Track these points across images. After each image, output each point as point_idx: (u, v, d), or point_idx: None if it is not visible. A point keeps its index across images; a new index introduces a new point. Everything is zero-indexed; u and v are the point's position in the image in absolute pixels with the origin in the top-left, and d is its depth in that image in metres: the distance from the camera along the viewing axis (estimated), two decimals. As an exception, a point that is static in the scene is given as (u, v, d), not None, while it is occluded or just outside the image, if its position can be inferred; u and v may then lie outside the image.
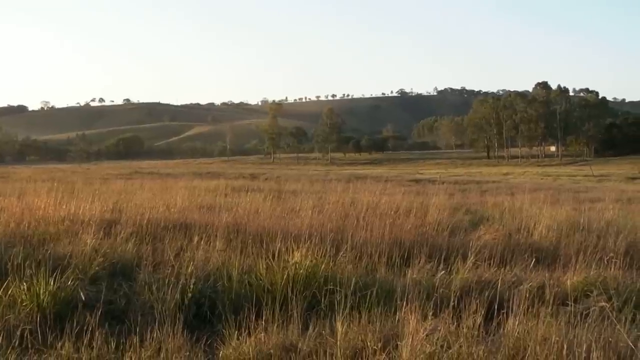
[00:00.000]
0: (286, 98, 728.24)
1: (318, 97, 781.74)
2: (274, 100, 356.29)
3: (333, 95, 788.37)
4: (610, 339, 7.73)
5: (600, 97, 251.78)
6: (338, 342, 7.75)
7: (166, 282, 9.72)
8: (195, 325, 9.13)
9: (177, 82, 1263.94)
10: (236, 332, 8.34)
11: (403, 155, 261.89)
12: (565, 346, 7.26)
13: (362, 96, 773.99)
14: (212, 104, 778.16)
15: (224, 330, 8.54)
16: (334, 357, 7.51)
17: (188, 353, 7.80)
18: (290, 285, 9.85)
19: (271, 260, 10.69)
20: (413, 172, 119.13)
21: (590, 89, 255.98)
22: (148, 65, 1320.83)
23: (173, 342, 7.85)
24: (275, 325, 8.49)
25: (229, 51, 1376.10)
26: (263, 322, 8.58)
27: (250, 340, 8.08)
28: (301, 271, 10.29)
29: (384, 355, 7.38)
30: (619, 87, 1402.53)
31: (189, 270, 10.32)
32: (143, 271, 10.68)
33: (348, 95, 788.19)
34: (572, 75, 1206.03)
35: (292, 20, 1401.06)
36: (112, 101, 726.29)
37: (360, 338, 7.95)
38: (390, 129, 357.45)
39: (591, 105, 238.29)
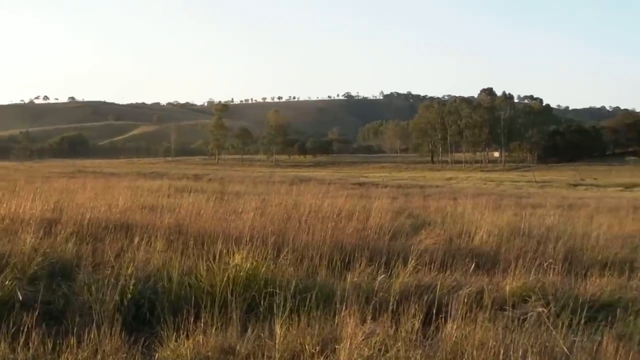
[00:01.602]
0: (232, 99, 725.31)
1: (264, 99, 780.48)
2: (219, 101, 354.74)
3: (279, 98, 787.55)
4: (547, 344, 7.81)
5: (544, 104, 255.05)
6: (277, 345, 7.75)
7: (106, 282, 9.63)
8: (134, 326, 9.06)
9: (122, 81, 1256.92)
10: (175, 334, 8.29)
11: (348, 158, 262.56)
12: (502, 351, 7.33)
13: (308, 99, 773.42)
14: (158, 103, 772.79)
15: (162, 332, 8.49)
16: (272, 360, 7.51)
17: (125, 355, 7.74)
18: (230, 287, 9.83)
19: (212, 262, 10.64)
20: (357, 176, 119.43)
21: (535, 96, 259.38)
22: (93, 64, 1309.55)
23: (110, 344, 7.79)
24: (214, 327, 8.47)
25: (175, 51, 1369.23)
26: (202, 324, 8.55)
27: (189, 343, 8.04)
28: (241, 273, 10.27)
29: (321, 359, 7.40)
30: (562, 94, 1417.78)
31: (129, 271, 10.25)
32: (83, 271, 10.56)
33: (294, 98, 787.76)
34: (517, 82, 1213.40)
35: (238, 21, 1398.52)
36: (57, 99, 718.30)
37: (299, 341, 7.95)
38: (335, 132, 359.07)
39: (535, 112, 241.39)
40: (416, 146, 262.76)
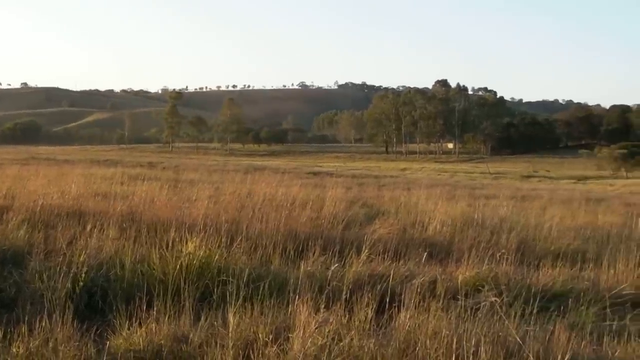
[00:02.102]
0: (187, 87, 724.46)
1: (219, 87, 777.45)
2: (174, 89, 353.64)
3: (234, 86, 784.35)
4: (499, 334, 7.83)
5: (498, 96, 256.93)
6: (230, 334, 7.70)
7: (58, 270, 9.49)
8: (86, 314, 8.96)
9: (76, 67, 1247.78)
10: (127, 322, 8.19)
11: (302, 147, 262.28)
12: (455, 340, 7.33)
13: (263, 88, 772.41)
14: (112, 90, 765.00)
15: (115, 320, 8.39)
16: (225, 349, 7.45)
17: (77, 343, 7.64)
18: (183, 275, 9.77)
19: (165, 250, 10.57)
20: (312, 165, 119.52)
21: (489, 89, 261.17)
22: (47, 49, 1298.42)
23: (62, 332, 7.68)
24: (167, 315, 8.39)
25: (129, 37, 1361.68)
26: (155, 313, 8.47)
27: (141, 331, 7.97)
28: (194, 262, 10.22)
29: (275, 347, 7.36)
30: (516, 87, 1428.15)
31: (81, 258, 10.13)
32: (34, 259, 10.43)
33: (249, 87, 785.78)
34: (471, 74, 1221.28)
35: (193, 8, 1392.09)
36: (9, 84, 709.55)
37: (252, 330, 7.91)
38: (290, 122, 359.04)
39: (489, 104, 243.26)
40: (371, 136, 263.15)
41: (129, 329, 8.07)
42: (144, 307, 8.56)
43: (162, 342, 7.78)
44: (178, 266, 9.98)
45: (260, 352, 7.36)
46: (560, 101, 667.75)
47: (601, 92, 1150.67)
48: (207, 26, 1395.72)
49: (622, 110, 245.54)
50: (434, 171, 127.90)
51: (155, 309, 8.60)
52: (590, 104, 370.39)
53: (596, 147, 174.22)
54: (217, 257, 10.58)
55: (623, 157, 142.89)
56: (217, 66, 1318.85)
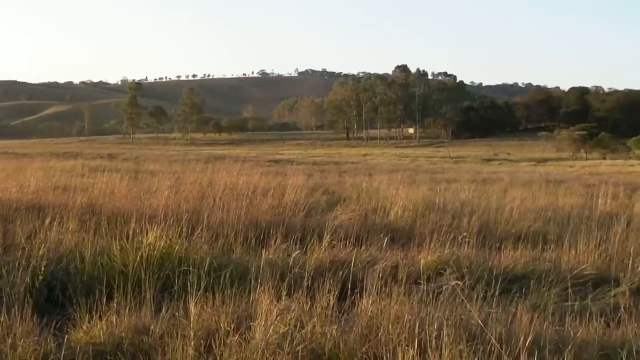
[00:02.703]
0: (146, 77, 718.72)
1: (179, 76, 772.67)
2: (133, 80, 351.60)
3: (194, 75, 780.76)
4: (462, 317, 7.83)
5: (457, 80, 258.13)
6: (191, 324, 7.63)
7: (16, 264, 9.37)
8: (45, 308, 8.86)
9: (34, 60, 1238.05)
10: (88, 315, 8.11)
11: (263, 135, 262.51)
12: (417, 325, 7.31)
13: (223, 76, 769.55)
14: (71, 82, 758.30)
15: (75, 314, 8.30)
16: (186, 339, 7.39)
17: (37, 337, 7.55)
18: (144, 266, 9.69)
19: (125, 241, 10.48)
20: (273, 153, 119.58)
21: (449, 73, 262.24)
22: (4, 42, 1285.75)
23: (22, 327, 7.59)
24: (128, 307, 8.32)
25: (87, 29, 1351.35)
26: (115, 305, 8.39)
27: (102, 324, 7.88)
28: (155, 252, 10.15)
29: (237, 336, 7.31)
30: (476, 71, 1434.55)
31: (41, 252, 10.01)
32: (-8, 254, 10.36)
33: (209, 75, 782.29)
34: (431, 59, 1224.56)
35: (148, 1, 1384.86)
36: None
37: (214, 319, 7.86)
38: (250, 110, 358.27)
39: (449, 89, 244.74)
40: (331, 123, 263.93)
41: (89, 322, 7.99)
42: (105, 300, 8.48)
43: (123, 334, 7.71)
44: (138, 257, 9.91)
45: (222, 341, 7.31)
46: (520, 84, 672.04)
47: (560, 75, 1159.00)
48: (166, 15, 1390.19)
49: (581, 93, 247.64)
50: (395, 156, 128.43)
51: (115, 301, 8.53)
52: (549, 86, 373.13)
53: (555, 130, 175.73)
54: (177, 247, 10.52)
55: (582, 139, 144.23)
56: (177, 56, 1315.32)
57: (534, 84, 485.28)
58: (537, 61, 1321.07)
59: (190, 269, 9.45)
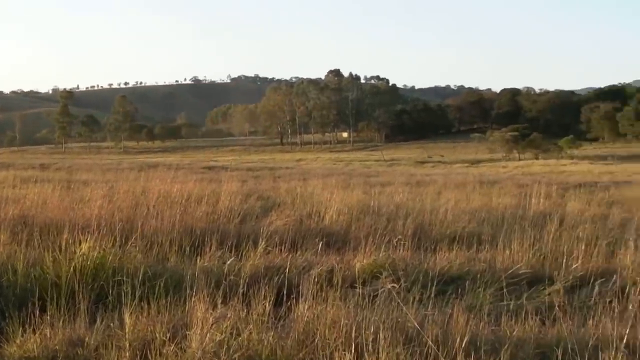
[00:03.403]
0: (78, 86, 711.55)
1: (110, 84, 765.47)
2: (65, 89, 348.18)
3: (126, 83, 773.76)
4: (398, 320, 7.85)
5: (390, 84, 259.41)
6: (127, 335, 7.56)
7: (-54, 280, 9.26)
8: (-23, 324, 8.72)
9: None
10: (21, 328, 7.97)
11: (197, 142, 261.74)
12: (354, 329, 7.32)
13: (155, 84, 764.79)
14: (1, 92, 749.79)
15: (7, 328, 8.16)
16: (122, 350, 7.32)
17: (-33, 354, 7.45)
18: (78, 277, 9.55)
19: (58, 252, 10.33)
20: (207, 160, 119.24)
21: (381, 77, 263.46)
22: None
23: (-50, 343, 7.47)
24: (62, 319, 8.20)
25: (16, 37, 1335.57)
26: (49, 317, 8.27)
27: (36, 337, 7.76)
28: (88, 263, 10.01)
29: (172, 346, 7.25)
30: (408, 74, 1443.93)
31: (-29, 266, 9.88)
32: None
33: (141, 83, 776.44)
34: (363, 63, 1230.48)
35: (81, 4, 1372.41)
36: None
37: (149, 329, 7.78)
38: (183, 117, 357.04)
39: (382, 92, 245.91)
40: (265, 129, 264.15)
41: (22, 335, 7.87)
42: (38, 312, 8.35)
43: (57, 347, 7.61)
44: (72, 268, 9.76)
45: (158, 351, 7.26)
46: (452, 87, 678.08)
47: (491, 77, 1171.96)
48: (97, 22, 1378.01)
49: (512, 94, 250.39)
50: (329, 161, 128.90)
51: (49, 313, 8.40)
52: (481, 88, 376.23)
53: (488, 131, 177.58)
54: (111, 257, 10.38)
55: (515, 140, 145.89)
56: (109, 64, 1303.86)
57: (466, 86, 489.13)
58: (469, 63, 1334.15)
59: (125, 278, 9.34)
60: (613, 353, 7.00)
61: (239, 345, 7.26)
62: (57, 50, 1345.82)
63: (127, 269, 9.88)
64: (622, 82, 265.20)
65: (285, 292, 8.99)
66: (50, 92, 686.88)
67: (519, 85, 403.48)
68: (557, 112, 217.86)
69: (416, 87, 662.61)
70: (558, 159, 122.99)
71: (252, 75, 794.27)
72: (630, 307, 9.27)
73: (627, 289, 9.78)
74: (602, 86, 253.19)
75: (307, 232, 14.01)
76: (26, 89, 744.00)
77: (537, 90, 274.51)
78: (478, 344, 7.24)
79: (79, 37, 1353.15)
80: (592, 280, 10.71)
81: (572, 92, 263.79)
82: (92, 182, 26.89)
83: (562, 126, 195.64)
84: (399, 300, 8.32)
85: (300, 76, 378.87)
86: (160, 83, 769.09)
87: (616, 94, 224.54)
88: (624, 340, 7.29)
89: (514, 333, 8.01)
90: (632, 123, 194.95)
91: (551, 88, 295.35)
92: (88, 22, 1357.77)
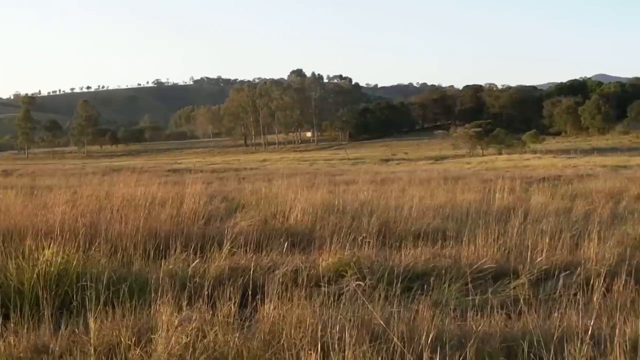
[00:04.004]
0: (39, 91, 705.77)
1: (72, 89, 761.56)
2: (26, 94, 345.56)
3: (88, 87, 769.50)
4: (364, 317, 7.86)
5: (353, 83, 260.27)
6: (92, 340, 7.51)
7: None
8: (-62, 334, 8.63)
9: None
10: (-17, 338, 7.93)
11: (161, 145, 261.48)
12: (319, 328, 7.31)
13: (117, 87, 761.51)
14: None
15: (-31, 338, 8.11)
16: (87, 356, 7.28)
17: None
18: (41, 284, 9.46)
19: (21, 259, 10.24)
20: (171, 162, 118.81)
21: (344, 76, 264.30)
22: None
23: None
24: (26, 327, 8.13)
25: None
26: (13, 325, 8.21)
27: (-1, 345, 7.72)
28: (52, 269, 9.91)
29: (138, 350, 7.22)
30: (371, 73, 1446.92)
31: None
32: None
33: (103, 87, 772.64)
34: (326, 63, 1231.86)
35: (41, 9, 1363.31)
36: None
37: (114, 333, 7.72)
38: (147, 120, 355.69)
39: (345, 92, 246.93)
40: (229, 130, 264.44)
41: (-15, 345, 7.79)
42: (1, 320, 8.31)
43: (22, 354, 7.55)
44: (35, 275, 9.67)
45: (124, 355, 7.22)
46: (415, 84, 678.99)
47: (454, 74, 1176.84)
48: (58, 27, 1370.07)
49: (475, 90, 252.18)
50: (293, 161, 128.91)
51: (13, 321, 8.33)
52: (443, 85, 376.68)
53: (451, 127, 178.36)
54: (75, 262, 10.30)
55: (478, 135, 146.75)
56: (70, 68, 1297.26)
57: (429, 83, 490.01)
58: (431, 61, 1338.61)
59: (89, 283, 9.27)
60: (578, 344, 7.03)
61: (205, 348, 7.24)
62: (17, 55, 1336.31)
63: (91, 274, 9.80)
64: (583, 76, 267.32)
65: (250, 293, 8.96)
66: (12, 97, 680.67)
67: (481, 81, 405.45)
68: (519, 107, 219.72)
69: (379, 86, 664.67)
70: (521, 154, 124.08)
71: (215, 77, 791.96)
72: (594, 299, 9.34)
73: (592, 281, 9.86)
74: (564, 81, 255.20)
75: (272, 233, 13.98)
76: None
77: (500, 86, 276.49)
78: (444, 339, 7.25)
79: (40, 42, 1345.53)
80: (556, 273, 10.75)
81: (534, 87, 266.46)
82: (56, 187, 26.67)
83: (525, 121, 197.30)
84: (364, 299, 8.32)
85: (263, 77, 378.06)
86: (123, 86, 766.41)
87: (578, 89, 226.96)
88: (589, 332, 7.33)
89: (480, 327, 8.03)
90: (593, 117, 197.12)
91: (513, 84, 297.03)
92: (48, 26, 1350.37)
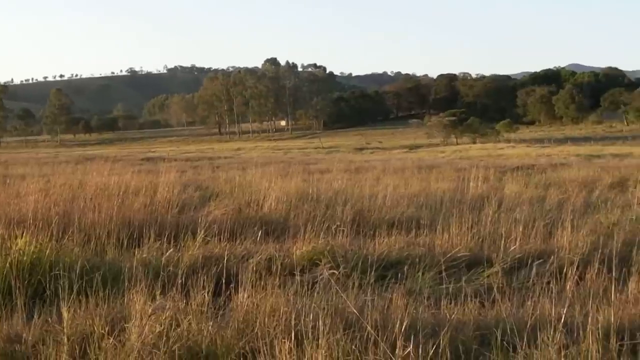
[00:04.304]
0: (12, 80, 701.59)
1: (45, 77, 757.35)
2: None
3: (61, 76, 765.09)
4: (338, 306, 7.86)
5: (327, 71, 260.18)
6: (65, 329, 7.46)
7: None
8: None
9: None
10: (-44, 328, 7.89)
11: (134, 134, 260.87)
12: (293, 316, 7.31)
13: (91, 76, 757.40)
14: None
15: (-58, 329, 8.06)
16: (60, 345, 7.24)
17: None
18: (14, 273, 9.40)
19: (-7, 249, 10.22)
20: (145, 151, 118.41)
21: (318, 64, 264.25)
22: None
23: None
24: (-2, 317, 8.12)
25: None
26: (-15, 315, 8.19)
27: (-28, 335, 7.67)
28: (25, 258, 9.86)
29: (112, 339, 7.19)
30: (345, 62, 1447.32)
31: None
32: None
33: (77, 75, 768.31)
34: (300, 51, 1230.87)
35: (10, 1, 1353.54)
36: None
37: (87, 323, 7.68)
38: (120, 109, 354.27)
39: (319, 80, 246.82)
40: (203, 119, 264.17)
41: (-42, 335, 7.74)
42: (-27, 311, 8.26)
43: (-5, 344, 7.50)
44: (8, 264, 9.62)
45: (97, 345, 7.18)
46: (389, 73, 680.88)
47: (428, 63, 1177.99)
48: (31, 15, 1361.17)
49: (449, 79, 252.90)
50: (268, 149, 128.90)
51: (-16, 311, 8.29)
52: (418, 74, 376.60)
53: (426, 116, 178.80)
54: (48, 251, 10.25)
55: (452, 124, 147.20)
56: (43, 56, 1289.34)
57: (403, 72, 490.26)
58: (405, 50, 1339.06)
59: (62, 272, 9.22)
60: (551, 332, 7.06)
61: (179, 336, 7.22)
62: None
63: (64, 263, 9.74)
64: (557, 66, 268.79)
65: (224, 282, 8.96)
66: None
67: (456, 70, 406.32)
68: (493, 96, 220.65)
69: (353, 75, 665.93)
70: (495, 143, 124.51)
71: (189, 66, 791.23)
72: (567, 287, 9.38)
73: (565, 269, 9.89)
74: (538, 70, 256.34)
75: (246, 221, 13.94)
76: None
77: (474, 76, 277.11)
78: (418, 327, 7.26)
79: (12, 30, 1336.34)
80: (530, 262, 10.79)
81: (508, 77, 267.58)
82: (29, 176, 26.55)
83: (499, 110, 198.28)
84: (338, 287, 8.32)
85: (238, 65, 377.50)
86: (96, 75, 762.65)
87: (552, 78, 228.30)
88: (562, 320, 7.35)
89: (454, 316, 8.06)
90: (567, 106, 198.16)
91: (487, 73, 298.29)
92: (21, 14, 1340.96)
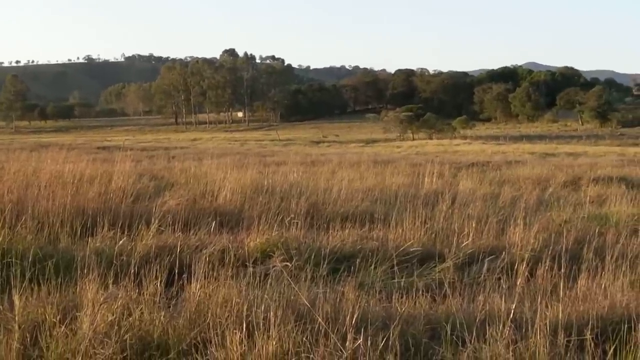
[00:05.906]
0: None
1: (1, 63, 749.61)
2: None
3: (17, 62, 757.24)
4: (290, 298, 7.91)
5: (285, 64, 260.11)
6: (16, 317, 7.43)
7: None
8: None
9: None
10: None
11: (91, 122, 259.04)
12: (245, 307, 7.35)
13: (47, 62, 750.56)
14: None
15: None
16: (11, 333, 7.21)
17: None
18: (-35, 262, 9.41)
19: (-55, 236, 10.15)
20: (101, 140, 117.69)
21: (277, 57, 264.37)
22: None
23: None
24: (-50, 306, 8.07)
25: None
26: None
27: None
28: (-24, 246, 9.86)
29: (63, 328, 7.17)
30: (303, 54, 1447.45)
31: None
32: None
33: (33, 62, 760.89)
34: (259, 43, 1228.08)
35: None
36: None
37: (39, 311, 7.66)
38: (77, 96, 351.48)
39: (277, 72, 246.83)
40: (160, 108, 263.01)
41: None
42: None
43: (-56, 331, 7.46)
44: (-41, 252, 9.59)
45: (49, 333, 7.16)
46: (347, 67, 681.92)
47: (386, 58, 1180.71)
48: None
49: (407, 75, 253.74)
50: (224, 140, 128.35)
51: None
52: (376, 69, 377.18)
53: (383, 111, 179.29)
54: (0, 238, 10.22)
55: (409, 120, 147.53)
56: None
57: (361, 66, 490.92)
58: (363, 44, 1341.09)
59: (14, 260, 9.21)
60: (500, 327, 7.15)
61: (130, 326, 7.22)
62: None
63: (16, 251, 9.72)
64: (514, 64, 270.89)
65: (177, 272, 8.95)
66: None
67: (413, 66, 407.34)
68: (450, 92, 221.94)
69: (311, 67, 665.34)
70: (451, 139, 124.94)
71: (147, 55, 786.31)
72: (518, 283, 9.48)
73: (516, 266, 9.99)
74: (495, 68, 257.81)
75: (201, 212, 13.92)
76: None
77: (431, 72, 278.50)
78: (369, 320, 7.33)
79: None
80: (482, 257, 10.88)
81: (465, 74, 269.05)
82: (-18, 163, 26.31)
83: (456, 107, 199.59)
84: (289, 279, 8.37)
85: (196, 55, 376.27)
86: (53, 61, 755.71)
87: (508, 76, 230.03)
88: (511, 315, 7.45)
89: (405, 309, 8.13)
90: (523, 104, 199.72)
91: (445, 69, 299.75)
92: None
